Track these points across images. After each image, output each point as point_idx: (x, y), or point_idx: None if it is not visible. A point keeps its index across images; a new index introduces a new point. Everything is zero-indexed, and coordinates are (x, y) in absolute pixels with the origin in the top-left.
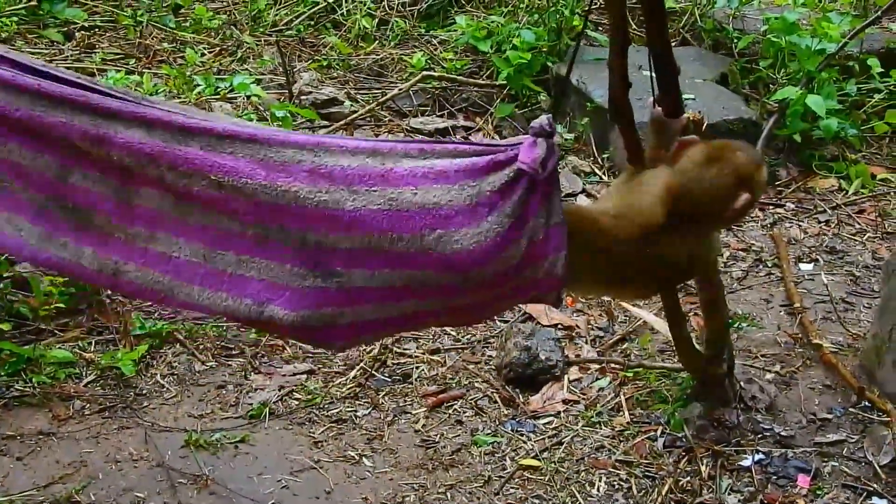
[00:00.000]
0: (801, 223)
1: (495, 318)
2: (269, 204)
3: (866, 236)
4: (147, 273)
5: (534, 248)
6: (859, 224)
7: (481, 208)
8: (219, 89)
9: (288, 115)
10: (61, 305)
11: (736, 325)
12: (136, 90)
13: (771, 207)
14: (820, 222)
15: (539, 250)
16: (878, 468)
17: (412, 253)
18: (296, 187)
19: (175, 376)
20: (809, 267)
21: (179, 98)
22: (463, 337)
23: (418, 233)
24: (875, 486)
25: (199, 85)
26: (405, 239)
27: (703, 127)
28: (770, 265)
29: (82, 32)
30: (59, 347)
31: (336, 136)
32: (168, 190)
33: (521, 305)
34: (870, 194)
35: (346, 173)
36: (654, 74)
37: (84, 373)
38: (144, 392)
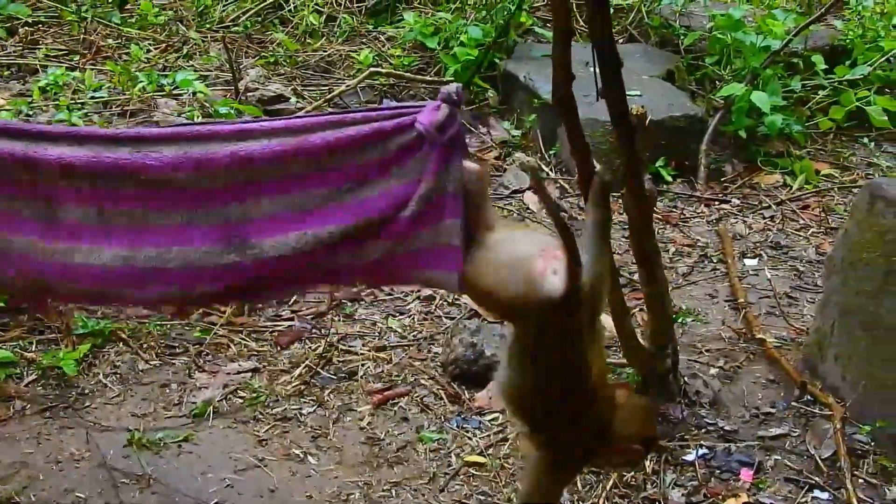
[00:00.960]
0: (746, 219)
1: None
2: (195, 190)
3: (810, 232)
4: (75, 284)
5: (429, 208)
6: (803, 220)
7: (387, 165)
8: (163, 85)
9: (232, 111)
10: (1, 304)
11: (680, 320)
12: (77, 86)
13: (716, 203)
14: (765, 218)
15: (433, 214)
16: (819, 461)
17: (329, 207)
18: (221, 173)
19: (118, 375)
20: (754, 262)
21: (123, 94)
22: (409, 334)
23: (336, 187)
24: (817, 479)
25: (142, 81)
26: (323, 195)
27: (647, 121)
28: (715, 261)
29: (25, 28)
30: (0, 347)
31: (255, 121)
32: (91, 201)
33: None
34: (814, 190)
35: (264, 152)
36: (597, 68)
37: (25, 372)
38: (87, 392)
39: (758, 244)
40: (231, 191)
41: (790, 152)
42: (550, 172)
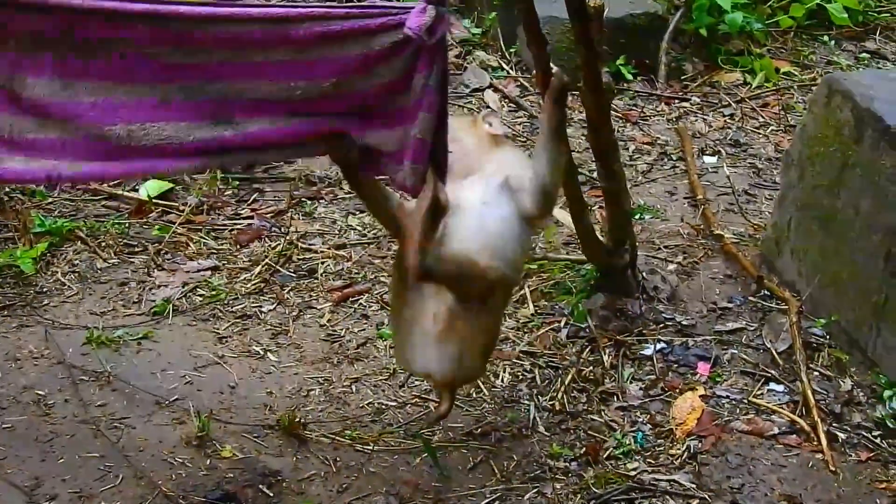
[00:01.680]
0: (705, 117)
1: None
2: (174, 64)
3: (769, 129)
4: (33, 161)
5: (414, 102)
6: (763, 117)
7: (372, 62)
8: None
9: None
10: None
11: (638, 217)
12: None
13: (676, 102)
14: (724, 116)
15: (415, 105)
16: (775, 355)
17: (314, 99)
18: (205, 49)
19: (76, 274)
20: (713, 160)
21: None
22: (369, 232)
23: (318, 79)
24: (773, 372)
25: None
26: (302, 87)
27: (604, 14)
28: (675, 158)
29: None
30: None
31: (231, 6)
32: (59, 73)
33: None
34: (773, 88)
35: (249, 35)
36: None
37: None
38: (45, 290)
39: (717, 142)
40: (211, 69)
41: (750, 51)
42: (511, 71)
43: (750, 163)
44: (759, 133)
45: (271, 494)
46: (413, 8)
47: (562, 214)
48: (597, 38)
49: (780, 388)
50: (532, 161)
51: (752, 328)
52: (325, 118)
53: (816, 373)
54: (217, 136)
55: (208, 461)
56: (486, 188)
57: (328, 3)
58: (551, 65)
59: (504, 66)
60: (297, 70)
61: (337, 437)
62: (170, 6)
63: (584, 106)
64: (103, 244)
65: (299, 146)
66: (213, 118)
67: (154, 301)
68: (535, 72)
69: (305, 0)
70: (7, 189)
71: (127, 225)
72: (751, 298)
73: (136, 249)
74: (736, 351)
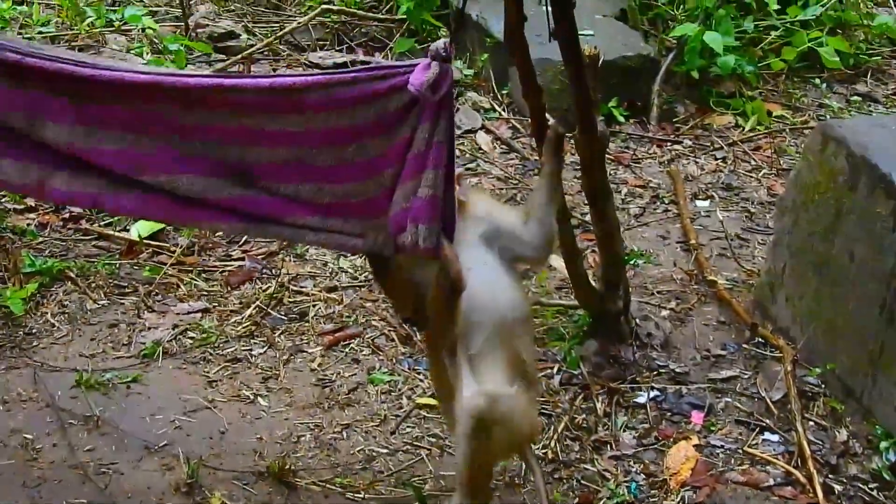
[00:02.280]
0: (697, 160)
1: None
2: (193, 125)
3: (762, 173)
4: (76, 182)
5: (417, 158)
6: (755, 161)
7: (389, 124)
8: (112, 21)
9: (182, 48)
10: None
11: (631, 262)
12: (25, 21)
13: (668, 144)
14: (717, 159)
15: (420, 162)
16: (770, 403)
17: (333, 165)
18: (217, 114)
19: (66, 315)
20: (706, 203)
21: (71, 30)
22: (360, 275)
23: (339, 146)
24: (767, 421)
25: (90, 17)
26: (325, 153)
27: (600, 62)
28: (667, 202)
29: None
30: None
31: (238, 77)
32: (78, 121)
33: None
34: (766, 131)
35: (260, 103)
36: (548, 7)
37: None
38: (34, 331)
39: (709, 185)
40: (227, 132)
41: (742, 93)
42: (502, 112)
43: (742, 206)
44: (752, 176)
45: None
46: (417, 64)
47: (554, 259)
48: (592, 85)
49: (775, 437)
50: (532, 204)
51: (746, 376)
52: (353, 186)
53: (812, 422)
54: (252, 198)
55: None
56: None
57: (334, 70)
58: (547, 115)
59: (496, 107)
60: (315, 138)
61: (327, 485)
62: (175, 78)
63: (578, 151)
64: (93, 285)
65: (336, 233)
66: (239, 180)
67: (144, 343)
68: (529, 119)
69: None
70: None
71: (117, 265)
72: (745, 346)
73: (127, 290)
74: (730, 399)
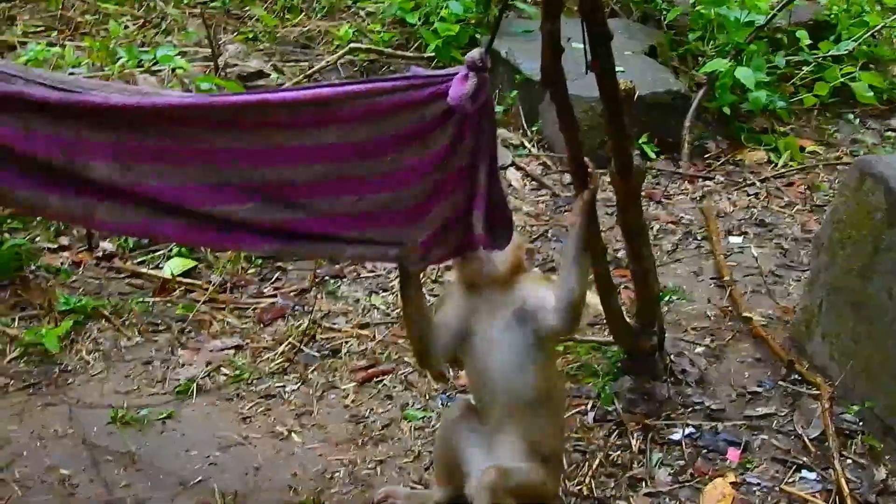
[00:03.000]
0: (730, 196)
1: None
2: (225, 150)
3: (795, 209)
4: (118, 211)
5: (462, 171)
6: (788, 197)
7: (427, 132)
8: (143, 62)
9: (213, 87)
10: None
11: (666, 298)
12: (57, 62)
13: (700, 180)
14: (749, 195)
15: (471, 173)
16: (807, 441)
17: (370, 177)
18: (252, 134)
19: (100, 352)
20: (739, 240)
21: (103, 70)
22: (392, 311)
23: (375, 158)
24: (804, 459)
25: (121, 57)
26: (364, 165)
27: (635, 97)
28: (699, 238)
29: (2, 4)
30: None
31: (278, 91)
32: (118, 154)
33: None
34: (798, 167)
35: (297, 119)
36: (586, 41)
37: (7, 349)
38: (69, 369)
39: (742, 221)
40: (260, 154)
41: (774, 129)
42: (533, 149)
43: (776, 243)
44: (785, 213)
45: None
46: (455, 74)
47: (587, 295)
48: (627, 121)
49: (813, 475)
50: (560, 273)
51: (782, 413)
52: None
53: (850, 460)
54: (290, 219)
55: None
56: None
57: (373, 79)
58: (587, 161)
59: (526, 143)
60: (350, 150)
61: None
62: (212, 98)
63: (614, 188)
64: (127, 322)
65: (373, 244)
66: (277, 202)
67: (178, 380)
68: (566, 153)
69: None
70: (32, 267)
71: (151, 303)
72: (781, 383)
73: (160, 328)
74: (766, 437)
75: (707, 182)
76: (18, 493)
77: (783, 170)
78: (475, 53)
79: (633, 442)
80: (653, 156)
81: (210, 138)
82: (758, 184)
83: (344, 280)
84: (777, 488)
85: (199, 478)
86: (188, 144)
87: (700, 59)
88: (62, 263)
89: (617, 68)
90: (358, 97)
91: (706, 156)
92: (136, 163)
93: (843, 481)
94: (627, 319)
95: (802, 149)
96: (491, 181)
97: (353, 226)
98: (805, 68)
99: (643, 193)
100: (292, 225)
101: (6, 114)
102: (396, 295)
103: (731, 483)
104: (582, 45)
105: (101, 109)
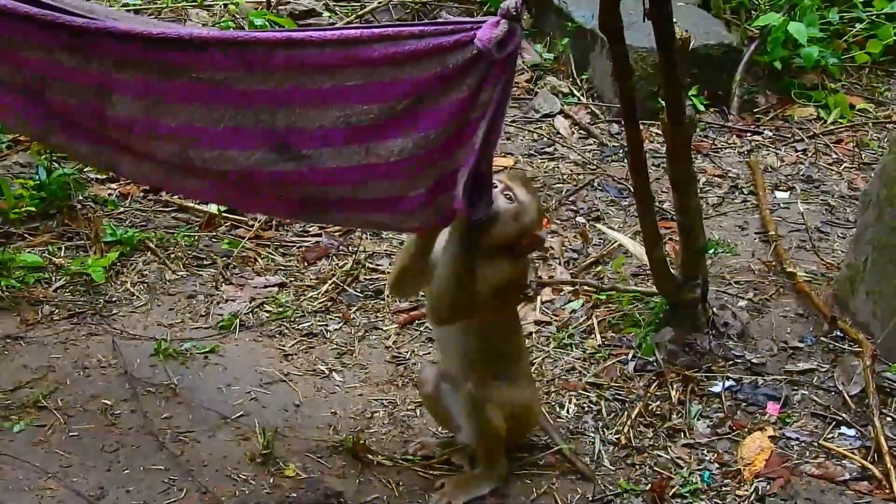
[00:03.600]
0: (777, 151)
1: None
2: (246, 91)
3: (843, 166)
4: (140, 165)
5: (477, 120)
6: (836, 154)
7: (447, 80)
8: None
9: (266, 23)
10: (32, 209)
11: (710, 251)
12: None
13: (748, 135)
14: (797, 151)
15: (479, 119)
16: (847, 398)
17: (384, 123)
18: (276, 74)
19: (145, 284)
20: (785, 195)
21: (155, 3)
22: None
23: (391, 101)
24: (844, 415)
25: None
26: (376, 110)
27: (689, 46)
28: (746, 192)
29: None
30: (29, 251)
31: (305, 31)
32: (141, 94)
33: None
34: (848, 124)
35: (320, 59)
36: None
37: (53, 278)
38: (114, 299)
39: (789, 177)
40: (280, 95)
41: (825, 85)
42: (582, 97)
43: (822, 199)
44: (832, 169)
45: None
46: (486, 21)
47: (632, 245)
48: (681, 71)
49: (852, 432)
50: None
51: (823, 369)
52: (402, 146)
53: (889, 418)
54: (297, 172)
55: (272, 479)
56: None
57: (402, 23)
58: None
59: (575, 92)
60: (368, 93)
61: (400, 461)
62: (247, 34)
63: (665, 137)
64: (172, 256)
65: (369, 209)
66: (286, 150)
67: (221, 315)
68: (619, 101)
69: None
70: (80, 197)
71: (196, 238)
72: (823, 339)
73: (205, 262)
74: (806, 392)
75: (755, 136)
76: (61, 421)
77: (832, 126)
78: (511, 1)
79: (673, 393)
80: (702, 108)
81: (235, 79)
82: (806, 140)
83: None
84: (815, 443)
85: (240, 413)
86: (212, 85)
87: (753, 12)
88: (110, 195)
89: None
90: (384, 39)
91: (755, 110)
92: (164, 101)
93: (882, 438)
94: (671, 271)
95: (852, 106)
96: (488, 140)
97: (362, 176)
98: (858, 25)
99: (692, 146)
100: (301, 178)
101: (37, 48)
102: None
103: (769, 437)
104: None
105: (129, 36)
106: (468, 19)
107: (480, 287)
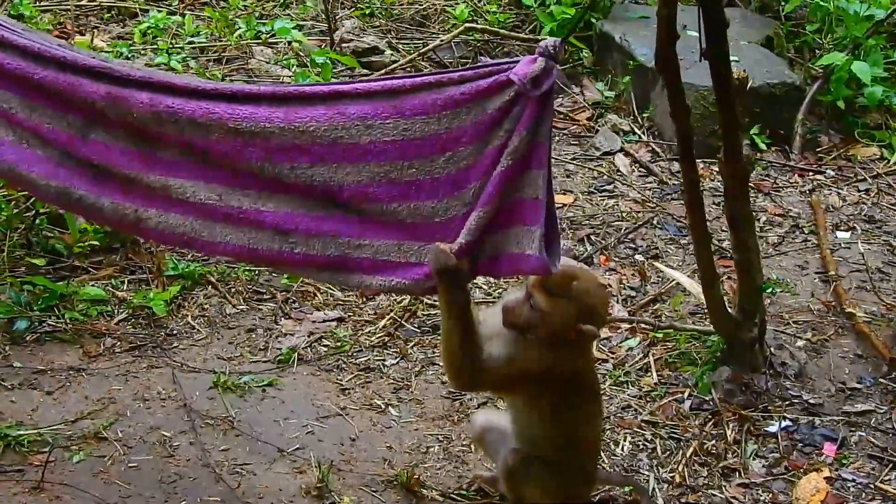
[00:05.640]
0: (840, 191)
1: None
2: (284, 144)
3: None
4: (168, 217)
5: (517, 162)
6: None
7: (485, 126)
8: (260, 34)
9: (328, 61)
10: (96, 243)
11: (769, 290)
12: (177, 31)
13: (810, 174)
14: (860, 191)
15: (522, 164)
16: None
17: (421, 180)
18: (312, 126)
19: (206, 318)
20: (846, 235)
21: (220, 41)
22: (494, 291)
23: (429, 157)
24: None
25: (240, 28)
26: (416, 166)
27: (748, 86)
28: (807, 232)
29: None
30: (93, 285)
31: (349, 83)
32: (184, 144)
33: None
34: None
35: (360, 110)
36: (702, 27)
37: (116, 311)
38: (175, 332)
39: (851, 217)
40: (318, 151)
41: (889, 125)
42: (642, 135)
43: (885, 240)
44: (895, 210)
45: None
46: (522, 59)
47: (690, 284)
48: (738, 110)
49: None
50: None
51: (881, 411)
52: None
53: None
54: (332, 220)
55: None
56: None
57: (441, 70)
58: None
59: (636, 130)
60: (409, 146)
61: (454, 495)
62: (287, 87)
63: (722, 175)
64: (233, 290)
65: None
66: (322, 205)
67: (280, 349)
68: (676, 139)
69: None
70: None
71: (256, 272)
72: (881, 380)
73: (265, 297)
74: (864, 433)
75: (817, 176)
76: (120, 452)
77: (895, 167)
78: (550, 41)
79: (729, 432)
80: (763, 147)
81: (273, 137)
82: (869, 179)
83: None
84: (872, 485)
85: (297, 446)
86: (250, 142)
87: (817, 51)
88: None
89: (732, 58)
90: (430, 87)
91: (818, 149)
92: (206, 158)
93: None
94: (729, 309)
95: None
96: (549, 191)
97: (394, 233)
98: None
99: (752, 185)
100: (335, 228)
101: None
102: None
103: (825, 478)
104: (697, 33)
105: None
106: (507, 59)
107: (490, 363)
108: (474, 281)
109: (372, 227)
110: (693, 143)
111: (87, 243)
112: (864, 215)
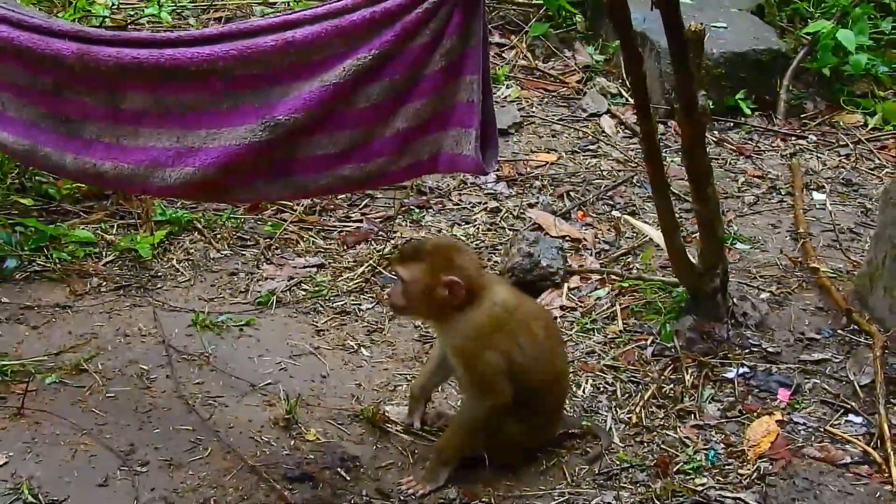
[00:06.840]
0: (820, 155)
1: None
2: (242, 75)
3: (885, 172)
4: (122, 168)
5: (451, 67)
6: (879, 159)
7: (412, 25)
8: None
9: None
10: (86, 188)
11: (731, 243)
12: None
13: (793, 139)
14: (840, 156)
15: (456, 69)
16: (857, 387)
17: (353, 75)
18: (266, 56)
19: (190, 262)
20: (822, 197)
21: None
22: (472, 242)
23: (363, 55)
24: (853, 403)
25: None
26: (348, 65)
27: (705, 38)
28: (783, 193)
29: None
30: (82, 228)
31: (299, 10)
32: (150, 90)
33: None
34: (894, 131)
35: (305, 35)
36: None
37: (104, 253)
38: (159, 275)
39: (829, 179)
40: (272, 76)
41: (874, 93)
42: (629, 98)
43: (859, 202)
44: (873, 174)
45: (348, 478)
46: None
47: (657, 235)
48: (694, 62)
49: (858, 419)
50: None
51: (837, 360)
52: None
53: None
54: (268, 139)
55: (292, 442)
56: None
57: None
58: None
59: (623, 93)
60: (346, 57)
61: (417, 431)
62: (239, 24)
63: (679, 129)
64: (218, 236)
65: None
66: (263, 122)
67: (260, 292)
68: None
69: None
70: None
71: (242, 220)
72: (840, 332)
73: (249, 243)
74: (818, 381)
75: (800, 140)
76: (99, 383)
77: (878, 133)
78: None
79: (687, 377)
80: (748, 112)
81: (227, 71)
82: (850, 145)
83: (429, 210)
84: (822, 429)
85: (269, 381)
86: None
87: (808, 20)
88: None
89: (721, 24)
90: (366, 4)
91: (802, 115)
92: (168, 92)
93: (885, 425)
94: (691, 260)
95: None
96: (485, 94)
97: (319, 131)
98: None
99: (734, 148)
100: (268, 146)
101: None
102: (477, 227)
103: (777, 421)
104: None
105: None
106: None
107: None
108: None
109: (306, 127)
110: (648, 93)
111: (75, 186)
112: (843, 179)
